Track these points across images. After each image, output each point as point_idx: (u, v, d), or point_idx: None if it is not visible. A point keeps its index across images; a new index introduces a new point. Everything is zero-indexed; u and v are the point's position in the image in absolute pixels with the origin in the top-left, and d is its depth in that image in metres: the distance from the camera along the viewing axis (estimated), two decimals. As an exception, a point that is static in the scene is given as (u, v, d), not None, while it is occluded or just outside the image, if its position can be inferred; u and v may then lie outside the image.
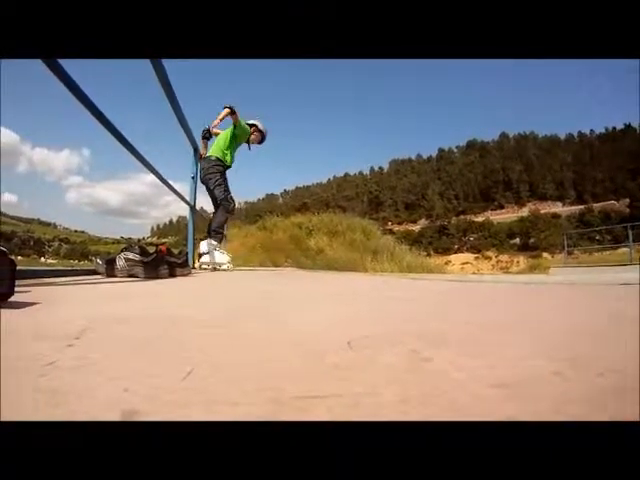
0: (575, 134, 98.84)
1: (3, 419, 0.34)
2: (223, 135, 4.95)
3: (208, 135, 5.02)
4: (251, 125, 5.12)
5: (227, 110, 4.66)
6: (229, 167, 5.01)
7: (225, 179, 4.94)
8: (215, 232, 4.85)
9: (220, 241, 4.93)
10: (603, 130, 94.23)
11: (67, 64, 1.74)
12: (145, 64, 2.65)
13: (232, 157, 5.01)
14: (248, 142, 5.18)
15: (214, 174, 4.80)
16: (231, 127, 4.90)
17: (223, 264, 4.76)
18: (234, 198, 4.96)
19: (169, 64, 2.90)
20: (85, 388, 0.42)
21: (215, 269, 4.69)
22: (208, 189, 4.89)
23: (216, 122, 4.75)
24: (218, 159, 4.83)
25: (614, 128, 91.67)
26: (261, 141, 5.32)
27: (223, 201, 4.79)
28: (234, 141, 4.97)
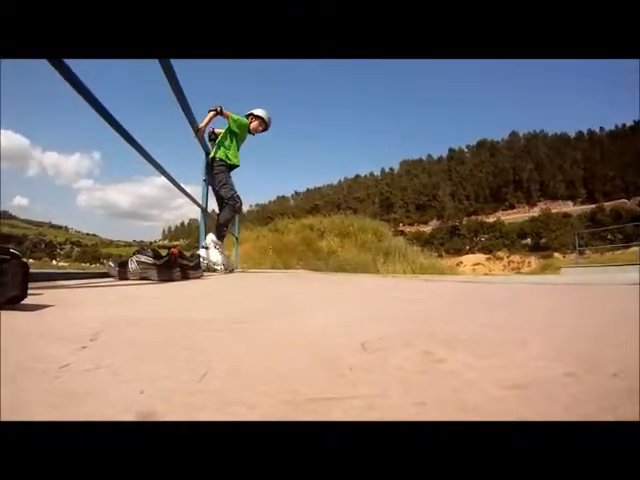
0: (585, 132, 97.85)
1: (20, 419, 0.35)
2: (221, 135, 4.91)
3: (214, 136, 5.01)
4: (248, 115, 5.05)
5: (212, 113, 4.59)
6: (236, 166, 4.97)
7: (229, 178, 4.89)
8: (218, 230, 4.85)
9: (222, 239, 4.92)
10: (613, 127, 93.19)
11: (77, 66, 1.72)
12: (155, 66, 2.52)
13: (235, 155, 4.95)
14: (250, 132, 5.09)
15: (218, 174, 4.79)
16: (227, 125, 4.85)
17: (217, 264, 4.73)
18: (240, 197, 4.94)
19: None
20: (100, 390, 0.43)
21: (229, 270, 4.69)
22: (214, 190, 4.90)
23: (200, 128, 4.55)
24: (221, 159, 4.81)
25: (624, 125, 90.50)
26: (265, 128, 5.19)
27: (229, 200, 4.76)
28: (233, 138, 4.91)
